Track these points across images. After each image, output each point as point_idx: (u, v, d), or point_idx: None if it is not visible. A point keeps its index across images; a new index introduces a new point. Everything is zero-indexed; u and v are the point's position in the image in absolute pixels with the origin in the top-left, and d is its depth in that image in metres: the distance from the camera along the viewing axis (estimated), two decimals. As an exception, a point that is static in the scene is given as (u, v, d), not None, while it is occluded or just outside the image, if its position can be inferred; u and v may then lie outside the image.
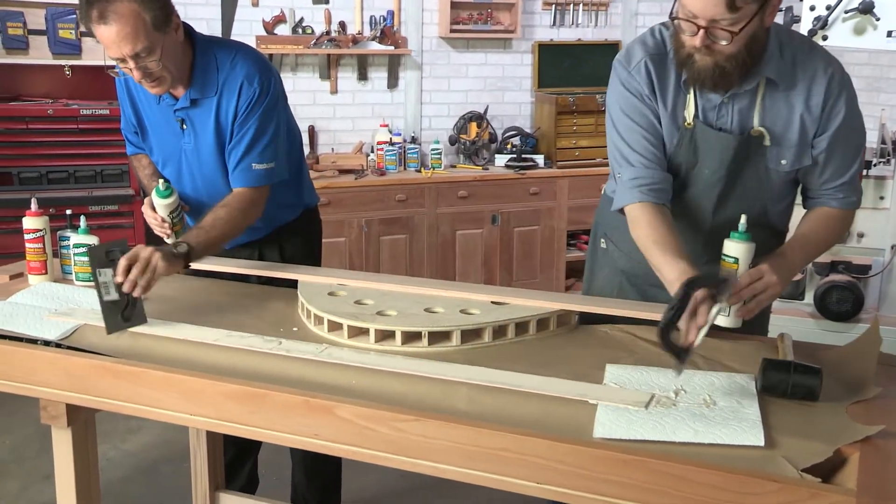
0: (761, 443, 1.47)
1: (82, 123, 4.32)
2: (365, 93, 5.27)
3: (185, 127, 2.35)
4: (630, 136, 1.96)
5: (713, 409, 1.58)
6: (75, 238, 2.30)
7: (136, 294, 1.97)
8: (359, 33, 5.12)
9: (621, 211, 1.97)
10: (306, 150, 5.12)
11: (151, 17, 2.07)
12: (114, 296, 1.98)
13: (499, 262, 5.15)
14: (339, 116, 5.24)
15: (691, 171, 1.97)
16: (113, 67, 2.19)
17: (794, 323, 3.33)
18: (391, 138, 5.16)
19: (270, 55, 4.94)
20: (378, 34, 5.12)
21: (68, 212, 2.45)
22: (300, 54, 5.04)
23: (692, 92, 1.91)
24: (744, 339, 1.97)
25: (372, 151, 5.19)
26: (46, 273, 2.32)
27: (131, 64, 2.11)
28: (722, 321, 1.79)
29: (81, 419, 1.94)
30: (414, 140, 5.30)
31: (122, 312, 1.98)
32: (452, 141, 5.34)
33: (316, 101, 5.18)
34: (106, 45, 2.09)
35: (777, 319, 3.37)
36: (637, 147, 1.95)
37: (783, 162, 1.93)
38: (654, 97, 1.94)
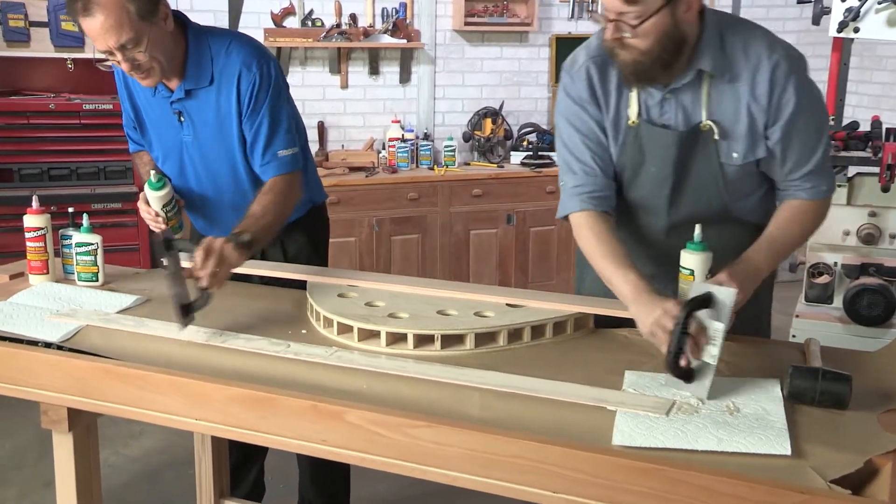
0: (788, 452, 1.46)
1: (85, 118, 4.35)
2: (376, 88, 5.28)
3: (182, 119, 2.37)
4: (572, 143, 2.01)
5: (737, 417, 1.58)
6: (77, 237, 2.31)
7: (214, 288, 1.99)
8: (370, 26, 5.13)
9: (566, 219, 2.02)
10: (315, 146, 5.13)
11: (136, 7, 2.08)
12: (179, 289, 1.98)
13: (514, 263, 5.15)
14: (349, 112, 5.25)
15: (639, 169, 1.99)
16: (104, 60, 2.21)
17: (821, 327, 3.32)
18: (403, 135, 5.17)
19: (279, 48, 4.96)
20: (390, 27, 5.13)
21: (70, 210, 2.46)
22: (309, 48, 5.05)
23: (634, 90, 1.94)
24: (769, 344, 1.97)
25: (383, 148, 5.20)
26: (48, 273, 2.34)
27: (119, 56, 2.13)
28: None
29: (83, 424, 1.95)
30: (427, 137, 5.30)
31: (193, 305, 1.99)
32: (466, 138, 5.34)
33: (326, 96, 5.19)
34: (92, 37, 2.11)
35: (804, 324, 3.36)
36: (579, 155, 2.00)
37: (734, 155, 1.93)
38: (594, 102, 1.98)
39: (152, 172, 2.35)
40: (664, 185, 1.98)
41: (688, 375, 1.65)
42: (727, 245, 1.92)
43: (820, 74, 5.29)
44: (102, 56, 2.18)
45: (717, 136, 1.91)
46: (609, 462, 1.43)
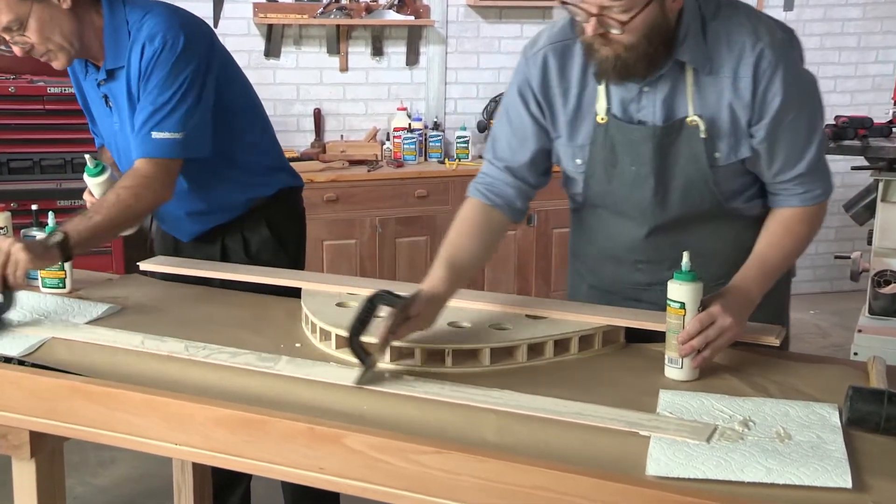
0: (848, 485, 1.46)
1: (49, 104, 4.38)
2: (380, 71, 5.29)
3: (110, 104, 2.43)
4: (499, 131, 2.11)
5: (788, 445, 1.58)
6: (42, 237, 2.32)
7: (14, 290, 2.07)
8: (373, 1, 5.15)
9: None
10: (311, 136, 5.16)
11: None
12: None
13: (535, 268, 5.16)
14: (349, 98, 5.27)
15: (612, 170, 2.01)
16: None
17: (888, 345, 3.31)
18: (410, 124, 5.18)
19: (269, 26, 4.98)
20: (396, 2, 5.15)
21: (34, 207, 2.48)
22: (305, 25, 5.07)
23: (603, 84, 1.95)
24: (826, 363, 1.97)
25: (388, 139, 5.21)
26: (9, 278, 2.35)
27: (6, 38, 2.19)
28: (675, 374, 1.84)
29: (47, 449, 1.96)
30: (437, 126, 5.32)
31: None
32: (481, 127, 5.35)
33: (323, 79, 5.21)
34: None
35: (867, 340, 3.35)
36: (499, 143, 2.10)
37: (717, 155, 1.94)
38: (543, 95, 2.01)
39: (87, 157, 2.41)
40: (645, 186, 1.99)
41: (360, 356, 1.81)
42: (724, 242, 1.98)
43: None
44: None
45: (703, 133, 1.92)
46: (642, 494, 1.43)
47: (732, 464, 1.51)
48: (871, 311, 3.44)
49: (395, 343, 1.91)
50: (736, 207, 2.04)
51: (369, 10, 5.12)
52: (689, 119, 1.92)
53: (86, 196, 2.49)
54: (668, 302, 1.84)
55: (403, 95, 5.34)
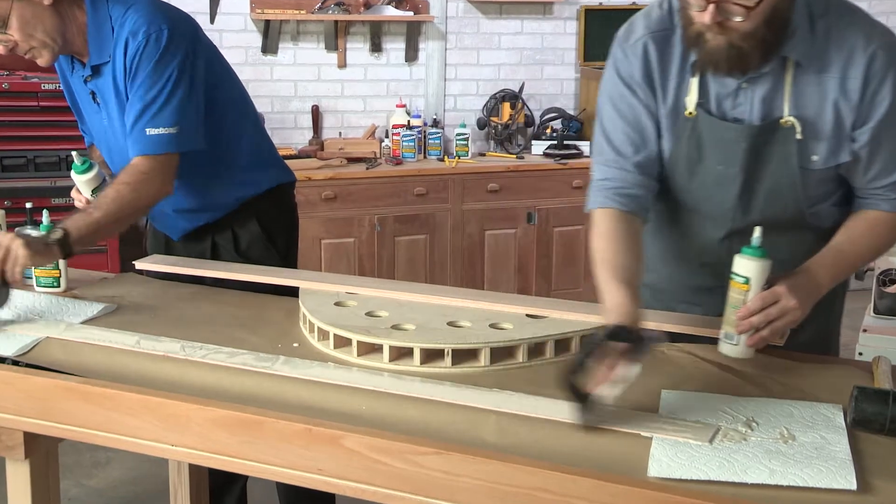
0: (853, 486, 1.46)
1: (44, 100, 4.37)
2: (379, 67, 5.29)
3: (97, 101, 2.43)
4: (612, 129, 1.98)
5: (792, 446, 1.58)
6: (40, 234, 2.32)
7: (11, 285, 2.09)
8: (371, -4, 5.15)
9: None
10: (308, 133, 5.16)
11: None
12: None
13: (535, 267, 5.16)
14: (347, 95, 5.27)
15: (696, 167, 1.96)
16: None
17: (893, 344, 3.31)
18: (409, 121, 5.18)
19: (266, 21, 4.98)
20: (394, -3, 5.15)
21: (28, 205, 2.49)
22: (302, 20, 5.07)
23: (697, 76, 1.90)
24: (830, 363, 1.97)
25: (386, 136, 5.21)
26: (3, 277, 2.36)
27: None
28: (729, 350, 1.82)
29: (42, 450, 1.96)
30: (436, 123, 5.32)
31: None
32: (481, 125, 5.36)
33: (321, 76, 5.21)
34: None
35: (872, 339, 3.36)
36: (616, 142, 1.97)
37: (814, 158, 1.89)
38: (648, 85, 1.94)
39: (74, 154, 2.42)
40: (731, 187, 1.94)
41: (576, 395, 1.63)
42: (797, 255, 1.88)
43: None
44: None
45: (799, 135, 1.87)
46: (645, 496, 1.43)
47: (736, 465, 1.52)
48: (876, 311, 3.44)
49: (394, 343, 1.91)
50: (816, 215, 1.98)
51: (368, 5, 5.12)
52: (783, 120, 1.87)
53: (73, 193, 2.50)
54: (732, 276, 1.80)
55: (402, 92, 5.34)
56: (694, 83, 1.91)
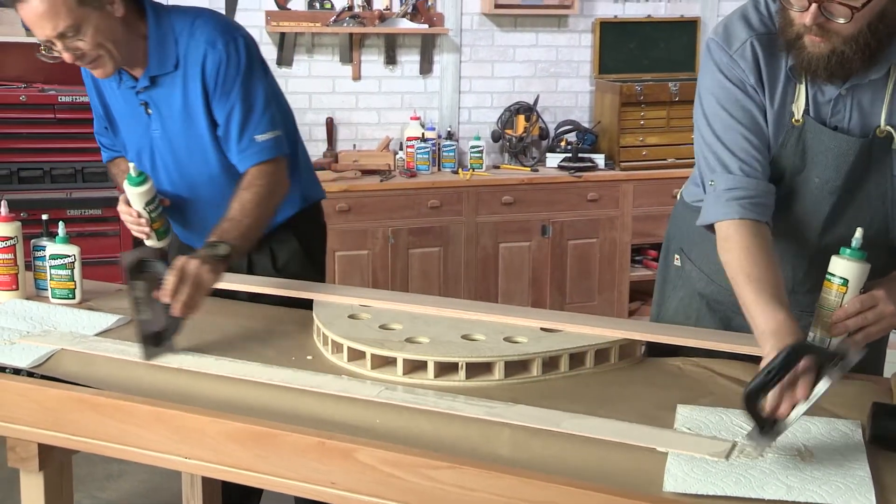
0: (871, 504, 1.45)
1: (60, 112, 4.38)
2: (393, 79, 5.30)
3: (150, 112, 2.42)
4: (728, 135, 1.89)
5: (810, 462, 1.57)
6: (52, 248, 2.33)
7: (186, 315, 2.03)
8: (386, 9, 5.16)
9: (710, 227, 1.91)
10: (323, 146, 5.17)
11: None
12: (146, 315, 2.02)
13: (549, 280, 5.15)
14: (362, 107, 5.28)
15: (796, 177, 1.90)
16: (49, 49, 2.26)
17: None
18: (423, 133, 5.18)
19: (282, 34, 5.00)
20: (409, 10, 5.16)
21: (44, 217, 2.48)
22: (317, 33, 5.09)
23: (804, 81, 1.84)
24: (848, 379, 1.95)
25: (401, 149, 5.21)
26: (17, 289, 2.36)
27: (59, 45, 2.18)
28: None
29: (56, 462, 1.97)
30: (450, 136, 5.32)
31: (163, 334, 2.02)
32: (496, 137, 5.36)
33: (336, 88, 5.22)
34: (29, 24, 2.17)
35: (893, 356, 3.32)
36: (736, 150, 1.88)
37: None
38: (760, 88, 1.87)
39: (131, 166, 2.38)
40: (826, 200, 1.89)
41: (759, 421, 1.56)
42: (875, 275, 1.78)
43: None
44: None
45: (895, 145, 1.83)
46: (660, 512, 1.43)
47: (752, 481, 1.51)
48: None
49: (407, 356, 1.91)
50: (894, 234, 1.92)
51: (382, 18, 5.13)
52: (879, 129, 1.83)
53: (121, 207, 2.44)
54: (828, 277, 1.74)
55: (417, 104, 5.35)
56: (802, 89, 1.85)
